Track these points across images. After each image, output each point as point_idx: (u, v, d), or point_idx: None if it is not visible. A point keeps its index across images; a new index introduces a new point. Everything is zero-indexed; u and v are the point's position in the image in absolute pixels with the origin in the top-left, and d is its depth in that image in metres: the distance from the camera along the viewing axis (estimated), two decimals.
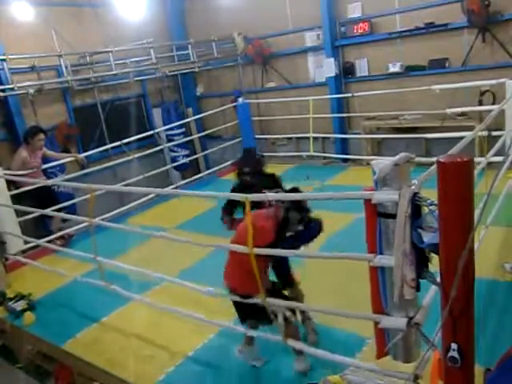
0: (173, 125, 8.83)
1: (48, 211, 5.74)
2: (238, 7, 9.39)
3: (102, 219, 5.22)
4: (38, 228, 6.73)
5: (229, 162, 8.37)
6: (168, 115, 9.13)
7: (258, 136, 9.68)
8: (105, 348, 3.97)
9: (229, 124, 9.40)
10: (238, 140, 9.35)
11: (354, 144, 8.74)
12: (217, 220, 4.12)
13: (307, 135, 8.72)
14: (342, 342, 3.49)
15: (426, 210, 2.26)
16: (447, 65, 7.56)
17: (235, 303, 3.28)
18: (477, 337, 2.25)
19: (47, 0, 7.77)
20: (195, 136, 9.63)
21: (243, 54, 9.57)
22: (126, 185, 7.02)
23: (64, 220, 6.65)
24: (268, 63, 9.58)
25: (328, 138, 8.96)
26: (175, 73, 9.44)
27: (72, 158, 6.98)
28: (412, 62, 7.86)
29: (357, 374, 2.83)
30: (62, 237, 6.42)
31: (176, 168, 9.24)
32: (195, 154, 9.61)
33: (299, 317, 3.49)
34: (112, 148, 7.65)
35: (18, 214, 5.97)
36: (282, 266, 3.59)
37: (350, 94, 8.39)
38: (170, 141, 9.04)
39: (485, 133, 5.85)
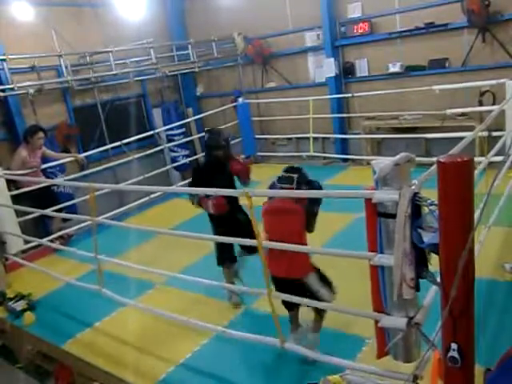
0: (173, 125, 8.83)
1: (48, 211, 5.74)
2: (238, 7, 9.39)
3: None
4: (37, 228, 6.72)
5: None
6: (168, 115, 9.12)
7: (258, 136, 9.70)
8: (105, 348, 3.97)
9: (229, 124, 9.40)
10: (237, 140, 9.35)
11: (354, 144, 8.74)
12: None
13: (307, 135, 8.73)
14: (342, 342, 3.50)
15: (426, 209, 2.26)
16: (447, 65, 7.56)
17: (286, 291, 3.20)
18: (477, 337, 2.25)
19: (47, 0, 7.76)
20: (195, 136, 9.63)
21: (243, 54, 9.56)
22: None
23: (64, 220, 6.66)
24: (268, 63, 9.58)
25: (328, 138, 8.96)
26: (175, 73, 9.44)
27: (72, 158, 6.98)
28: (412, 62, 7.85)
29: (357, 374, 2.83)
30: (61, 237, 6.43)
31: (176, 168, 9.23)
32: (195, 154, 9.60)
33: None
34: (112, 148, 7.66)
35: (18, 214, 5.97)
36: None
37: (350, 94, 8.40)
38: (170, 141, 9.03)
39: (485, 133, 5.85)
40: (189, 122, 9.62)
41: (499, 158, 4.72)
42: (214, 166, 4.25)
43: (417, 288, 2.35)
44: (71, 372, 4.12)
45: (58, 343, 4.14)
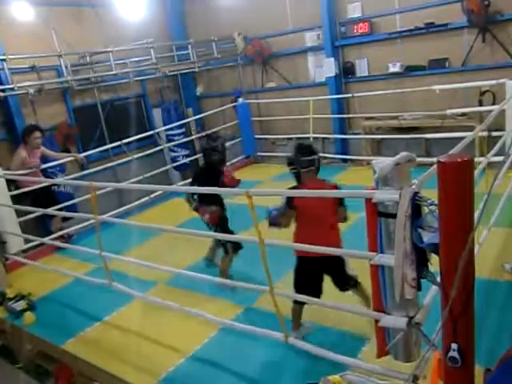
0: (173, 125, 8.82)
1: (49, 211, 5.74)
2: (238, 7, 9.39)
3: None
4: (38, 228, 6.72)
5: (228, 163, 8.35)
6: (168, 115, 9.11)
7: (257, 136, 9.69)
8: (105, 348, 3.97)
9: (229, 124, 9.40)
10: (237, 140, 9.35)
11: (354, 144, 8.73)
12: None
13: (307, 135, 8.71)
14: (342, 342, 3.50)
15: (426, 209, 2.27)
16: (447, 65, 7.56)
17: (334, 271, 3.47)
18: (477, 337, 2.25)
19: (47, 0, 7.76)
20: (195, 136, 9.63)
21: (243, 54, 9.56)
22: None
23: (64, 220, 6.66)
24: (268, 63, 9.58)
25: (328, 138, 8.96)
26: (175, 73, 9.44)
27: (71, 158, 6.98)
28: (412, 62, 7.86)
29: (357, 373, 2.83)
30: (61, 236, 6.42)
31: (176, 168, 9.23)
32: (195, 154, 9.60)
33: None
34: (112, 148, 7.66)
35: (18, 214, 5.97)
36: None
37: (350, 94, 8.39)
38: (169, 141, 9.03)
39: (485, 133, 5.85)
40: (189, 122, 9.62)
41: (499, 158, 4.72)
42: (210, 171, 4.70)
43: (418, 287, 2.35)
44: (71, 372, 4.12)
45: (57, 343, 4.13)
